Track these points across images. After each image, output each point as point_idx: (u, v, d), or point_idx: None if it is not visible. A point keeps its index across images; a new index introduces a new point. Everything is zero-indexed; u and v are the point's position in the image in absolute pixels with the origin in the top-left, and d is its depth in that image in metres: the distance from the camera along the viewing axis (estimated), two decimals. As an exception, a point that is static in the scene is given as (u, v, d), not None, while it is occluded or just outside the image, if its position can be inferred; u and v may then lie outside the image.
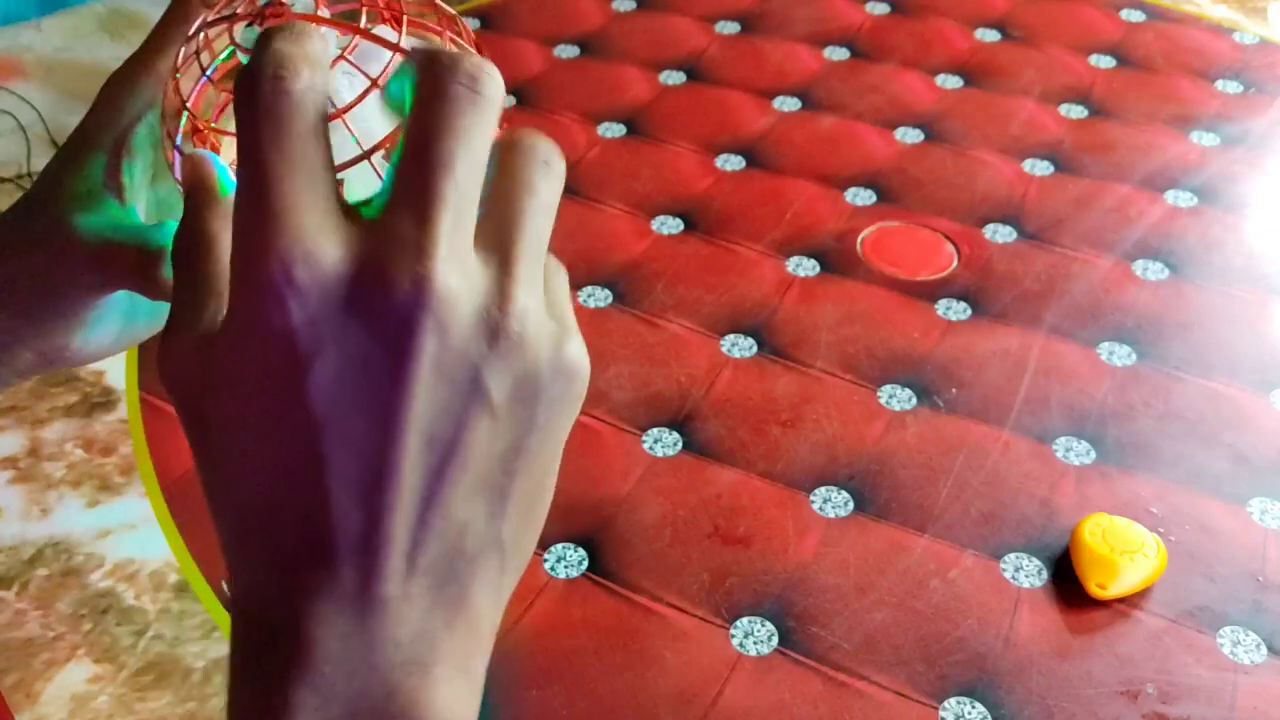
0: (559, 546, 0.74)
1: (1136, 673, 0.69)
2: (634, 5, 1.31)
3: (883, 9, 1.32)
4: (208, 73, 0.39)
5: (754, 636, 0.70)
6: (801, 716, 0.66)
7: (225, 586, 0.72)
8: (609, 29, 1.27)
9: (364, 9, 0.37)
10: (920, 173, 1.08)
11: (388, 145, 0.31)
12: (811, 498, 0.78)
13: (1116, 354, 0.90)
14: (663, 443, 0.81)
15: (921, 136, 1.12)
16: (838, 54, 1.24)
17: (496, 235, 0.29)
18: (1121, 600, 0.72)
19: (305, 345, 0.27)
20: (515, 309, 0.28)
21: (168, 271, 0.36)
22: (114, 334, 0.44)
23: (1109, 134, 1.13)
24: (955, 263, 0.98)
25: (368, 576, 0.28)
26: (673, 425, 0.83)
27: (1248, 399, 0.86)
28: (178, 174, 0.37)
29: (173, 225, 0.35)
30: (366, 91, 0.34)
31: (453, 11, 0.35)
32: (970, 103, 1.17)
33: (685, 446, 0.81)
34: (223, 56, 0.38)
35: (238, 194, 0.28)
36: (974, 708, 0.66)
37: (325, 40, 0.30)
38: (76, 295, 0.41)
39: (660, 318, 0.92)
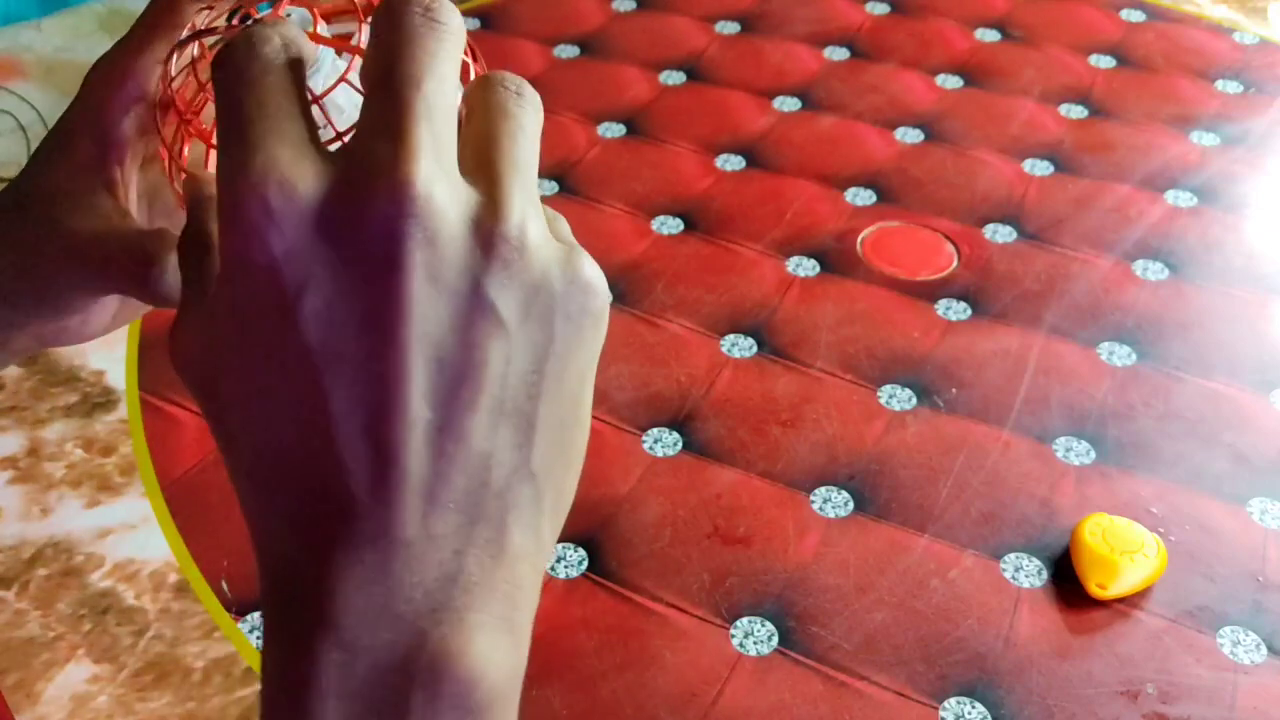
0: (559, 546, 0.74)
1: (1136, 673, 0.69)
2: (634, 5, 1.31)
3: (883, 9, 1.32)
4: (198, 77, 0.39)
5: (754, 636, 0.70)
6: (801, 716, 0.66)
7: (225, 586, 0.73)
8: (609, 29, 1.27)
9: (361, 23, 0.37)
10: (920, 173, 1.08)
11: None
12: (811, 498, 0.78)
13: (1116, 354, 0.90)
14: (663, 443, 0.81)
15: (921, 136, 1.12)
16: (838, 54, 1.24)
17: (477, 158, 0.28)
18: (1121, 600, 0.72)
19: (290, 277, 0.26)
20: (511, 217, 0.27)
21: (167, 278, 0.36)
22: (110, 314, 0.43)
23: (1109, 134, 1.13)
24: (955, 263, 0.98)
25: (384, 518, 0.27)
26: (673, 425, 0.83)
27: (1248, 399, 0.86)
28: (171, 177, 0.37)
29: (173, 236, 0.35)
30: (347, 71, 0.34)
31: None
32: (970, 103, 1.17)
33: (685, 446, 0.81)
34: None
35: (219, 150, 0.28)
36: (974, 708, 0.66)
37: (301, 30, 0.29)
38: (71, 293, 0.41)
39: (660, 318, 0.92)
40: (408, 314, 0.26)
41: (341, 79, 0.35)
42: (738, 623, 0.70)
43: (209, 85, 0.36)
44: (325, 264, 0.26)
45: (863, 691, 0.67)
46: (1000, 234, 1.01)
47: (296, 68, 0.29)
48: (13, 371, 0.86)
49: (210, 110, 0.37)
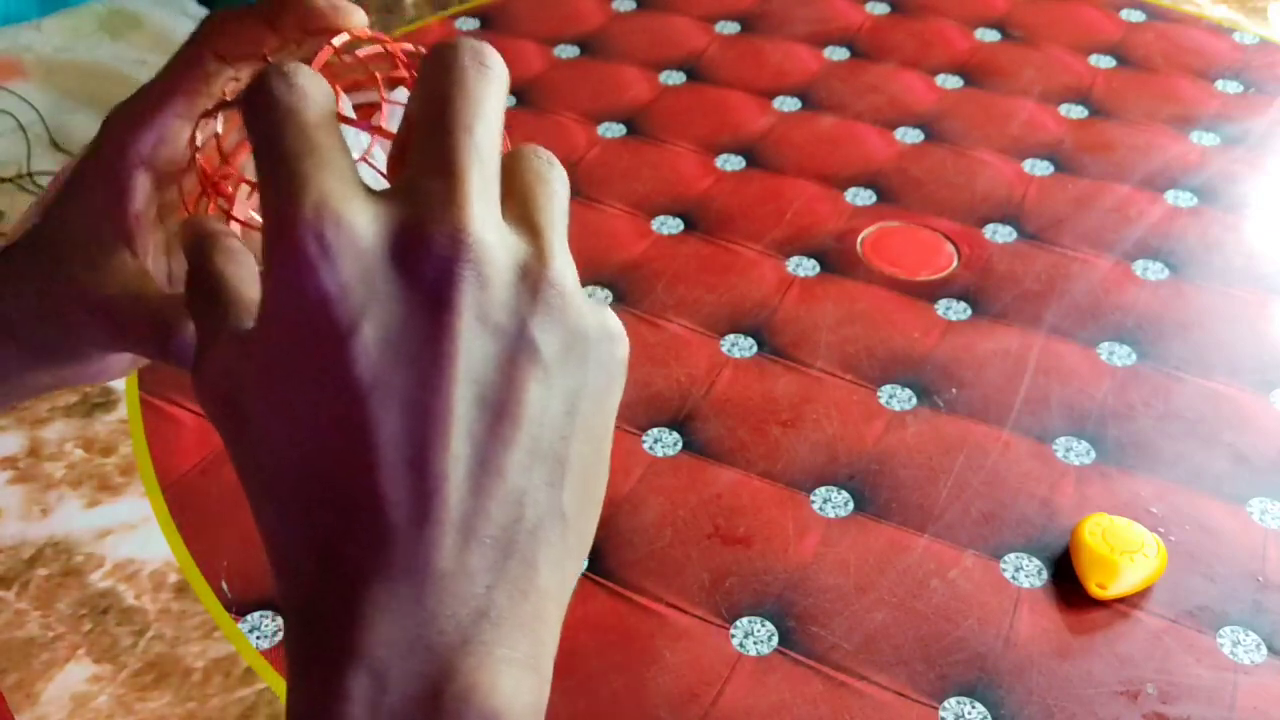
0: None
1: (1136, 672, 0.69)
2: (634, 5, 1.31)
3: (883, 9, 1.32)
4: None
5: (754, 636, 0.70)
6: (802, 716, 0.66)
7: (225, 586, 0.72)
8: (609, 29, 1.27)
9: (382, 98, 0.37)
10: (920, 173, 1.08)
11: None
12: (811, 498, 0.78)
13: (1116, 354, 0.90)
14: (663, 443, 0.81)
15: (921, 136, 1.12)
16: (838, 54, 1.24)
17: (519, 210, 0.29)
18: (1121, 600, 0.72)
19: (344, 310, 0.27)
20: (555, 263, 0.28)
21: (186, 342, 0.36)
22: (128, 361, 0.43)
23: (1109, 134, 1.13)
24: (955, 263, 0.98)
25: (421, 549, 0.27)
26: (673, 425, 0.83)
27: (1248, 399, 0.86)
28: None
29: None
30: (370, 147, 0.35)
31: None
32: (970, 103, 1.17)
33: (685, 446, 0.81)
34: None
35: (260, 184, 0.28)
36: (974, 707, 0.66)
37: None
38: (88, 345, 0.41)
39: (660, 318, 0.92)
40: (457, 352, 0.27)
41: (362, 158, 0.36)
42: (738, 623, 0.70)
43: (233, 157, 0.36)
44: (380, 300, 0.27)
45: (863, 691, 0.67)
46: (1000, 234, 1.01)
47: (331, 102, 0.29)
48: (13, 371, 0.86)
49: (243, 168, 0.37)
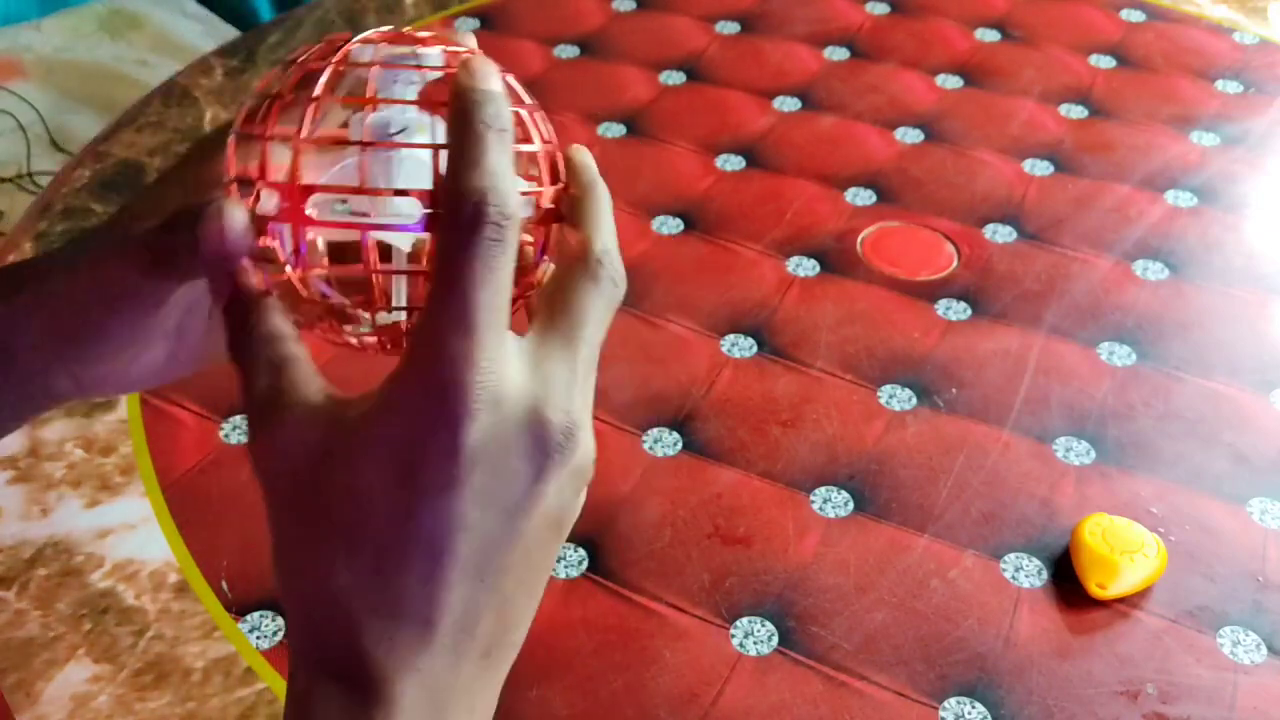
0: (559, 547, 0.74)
1: (1136, 672, 0.69)
2: (634, 5, 1.31)
3: (883, 9, 1.32)
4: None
5: (754, 636, 0.70)
6: (802, 716, 0.66)
7: (225, 587, 0.73)
8: (609, 29, 1.27)
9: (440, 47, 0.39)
10: (920, 173, 1.08)
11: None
12: (811, 498, 0.78)
13: (1116, 354, 0.90)
14: (663, 443, 0.81)
15: (921, 136, 1.12)
16: (838, 54, 1.24)
17: (588, 390, 0.37)
18: (1121, 600, 0.72)
19: (468, 460, 0.33)
20: (573, 412, 0.35)
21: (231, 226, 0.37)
22: (155, 365, 0.45)
23: (1109, 134, 1.13)
24: (955, 263, 0.98)
25: (459, 659, 0.34)
26: (673, 425, 0.83)
27: (1248, 399, 0.86)
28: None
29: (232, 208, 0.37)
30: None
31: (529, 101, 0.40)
32: (970, 103, 1.17)
33: (685, 447, 0.81)
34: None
35: (433, 295, 0.33)
36: (974, 708, 0.66)
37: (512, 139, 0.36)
38: (126, 308, 0.41)
39: (660, 318, 0.92)
40: (538, 511, 0.35)
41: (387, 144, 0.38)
42: (738, 623, 0.70)
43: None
44: (496, 453, 0.33)
45: (863, 691, 0.67)
46: (1000, 234, 1.01)
47: (517, 236, 0.35)
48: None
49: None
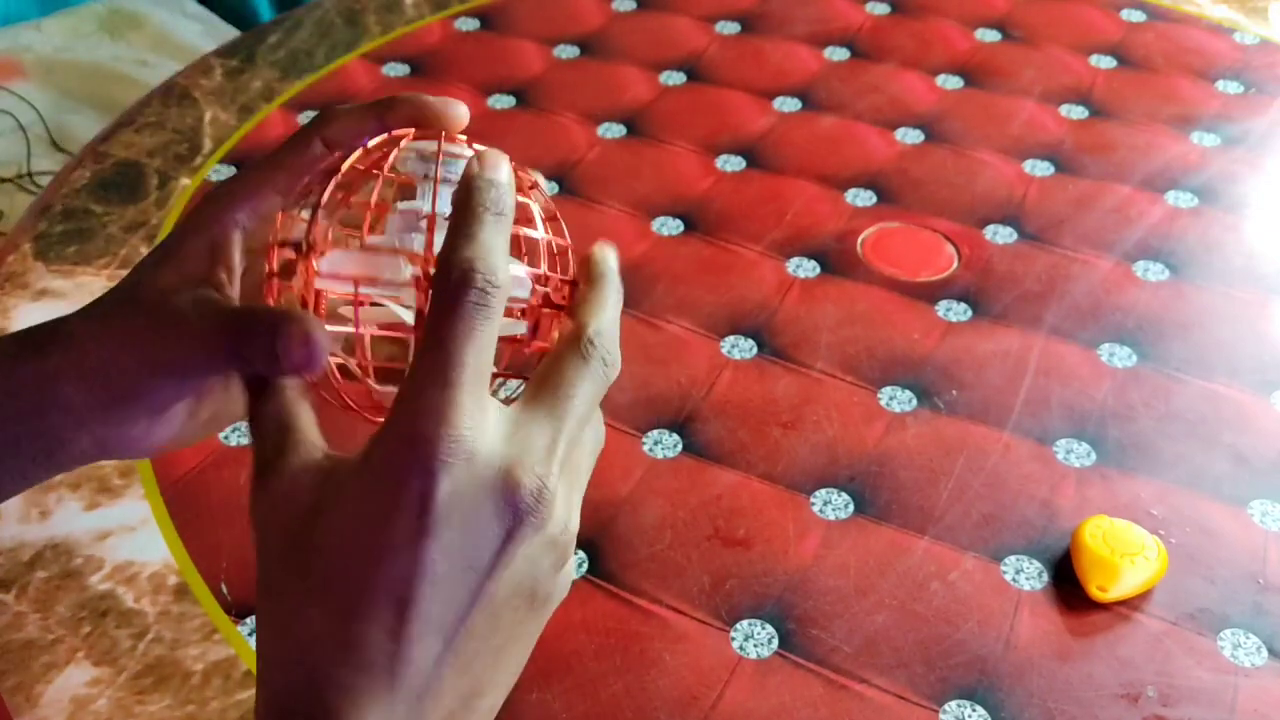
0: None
1: (1137, 675, 0.69)
2: (634, 5, 1.31)
3: (883, 9, 1.32)
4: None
5: (754, 639, 0.70)
6: (802, 719, 0.66)
7: (224, 589, 0.72)
8: (609, 29, 1.27)
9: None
10: (920, 173, 1.08)
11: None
12: (812, 499, 0.78)
13: (1117, 355, 0.90)
14: (663, 444, 0.81)
15: (921, 136, 1.12)
16: (838, 54, 1.24)
17: (572, 466, 0.38)
18: (1122, 603, 0.72)
19: (440, 508, 0.34)
20: (574, 520, 0.38)
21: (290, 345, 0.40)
22: (173, 432, 0.46)
23: (1109, 134, 1.13)
24: (955, 263, 0.98)
25: (424, 717, 0.35)
26: (673, 427, 0.83)
27: (1248, 400, 0.86)
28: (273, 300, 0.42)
29: (294, 314, 0.40)
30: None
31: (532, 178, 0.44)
32: (970, 103, 1.17)
33: (685, 448, 0.81)
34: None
35: (418, 353, 0.35)
36: (974, 710, 0.66)
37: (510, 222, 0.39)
38: (162, 380, 0.43)
39: (660, 319, 0.92)
40: (500, 579, 0.36)
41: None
42: (738, 625, 0.70)
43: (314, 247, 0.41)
44: (467, 509, 0.34)
45: (863, 694, 0.67)
46: (1000, 234, 1.01)
47: (504, 304, 0.37)
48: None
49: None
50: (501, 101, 1.15)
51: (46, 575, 0.72)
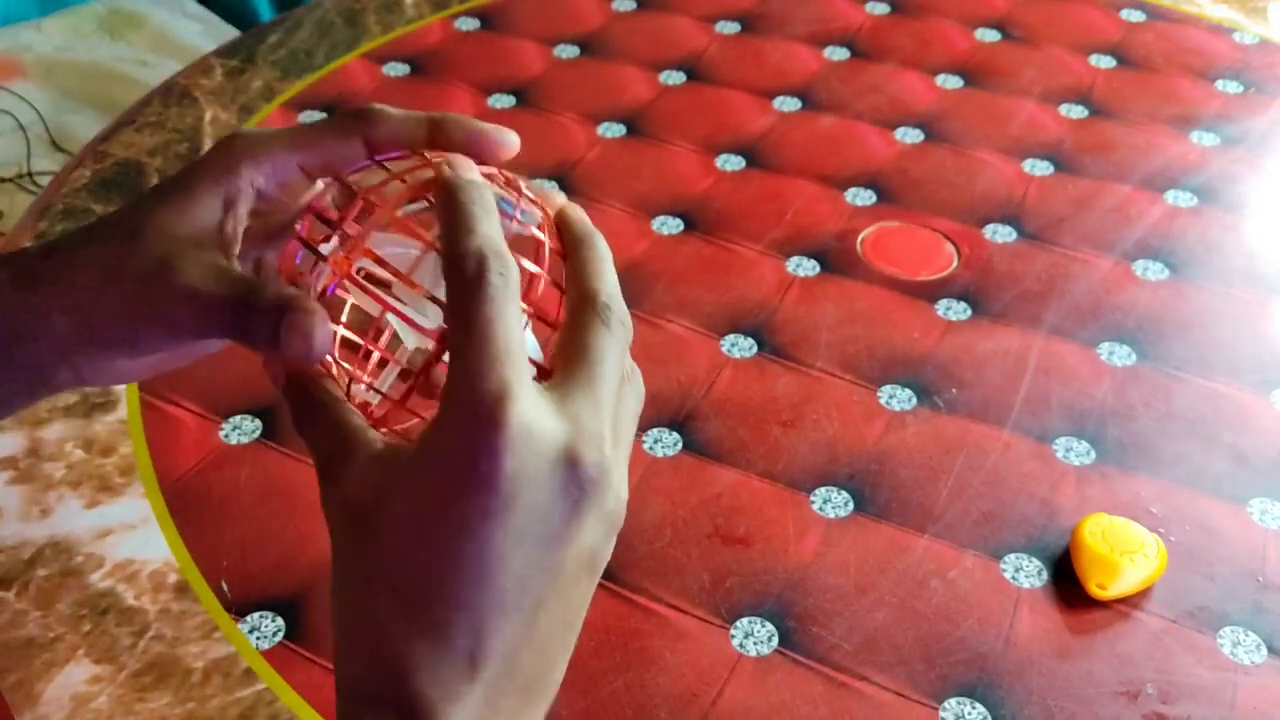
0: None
1: (1136, 673, 0.69)
2: (634, 5, 1.31)
3: (883, 9, 1.32)
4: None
5: (754, 637, 0.70)
6: (802, 717, 0.66)
7: (225, 587, 0.72)
8: (609, 29, 1.27)
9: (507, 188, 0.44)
10: (920, 173, 1.08)
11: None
12: (811, 498, 0.78)
13: (1117, 354, 0.90)
14: (663, 443, 0.81)
15: (921, 136, 1.12)
16: (838, 54, 1.24)
17: (620, 433, 0.38)
18: (1121, 600, 0.72)
19: (507, 488, 0.34)
20: (604, 450, 0.37)
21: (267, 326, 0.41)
22: (151, 369, 0.46)
23: (1109, 134, 1.13)
24: (955, 263, 0.98)
25: (500, 694, 0.35)
26: (673, 425, 0.83)
27: (1248, 399, 0.86)
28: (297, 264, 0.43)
29: (283, 291, 0.40)
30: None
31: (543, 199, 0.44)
32: (970, 103, 1.17)
33: (685, 447, 0.81)
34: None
35: (455, 346, 0.35)
36: (974, 708, 0.66)
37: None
38: (154, 331, 0.43)
39: (660, 318, 0.92)
40: (571, 547, 0.36)
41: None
42: (738, 623, 0.70)
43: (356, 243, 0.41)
44: (532, 490, 0.35)
45: (863, 692, 0.67)
46: (1000, 234, 1.01)
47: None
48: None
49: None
50: (501, 101, 1.15)
51: (47, 573, 0.72)
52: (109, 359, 0.43)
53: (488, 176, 0.42)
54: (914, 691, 0.67)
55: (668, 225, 1.01)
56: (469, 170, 0.40)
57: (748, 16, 1.30)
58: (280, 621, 0.70)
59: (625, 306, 0.41)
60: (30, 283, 0.42)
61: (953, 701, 0.67)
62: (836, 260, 0.98)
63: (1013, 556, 0.75)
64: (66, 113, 1.55)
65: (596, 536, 0.37)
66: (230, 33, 1.72)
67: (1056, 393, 0.86)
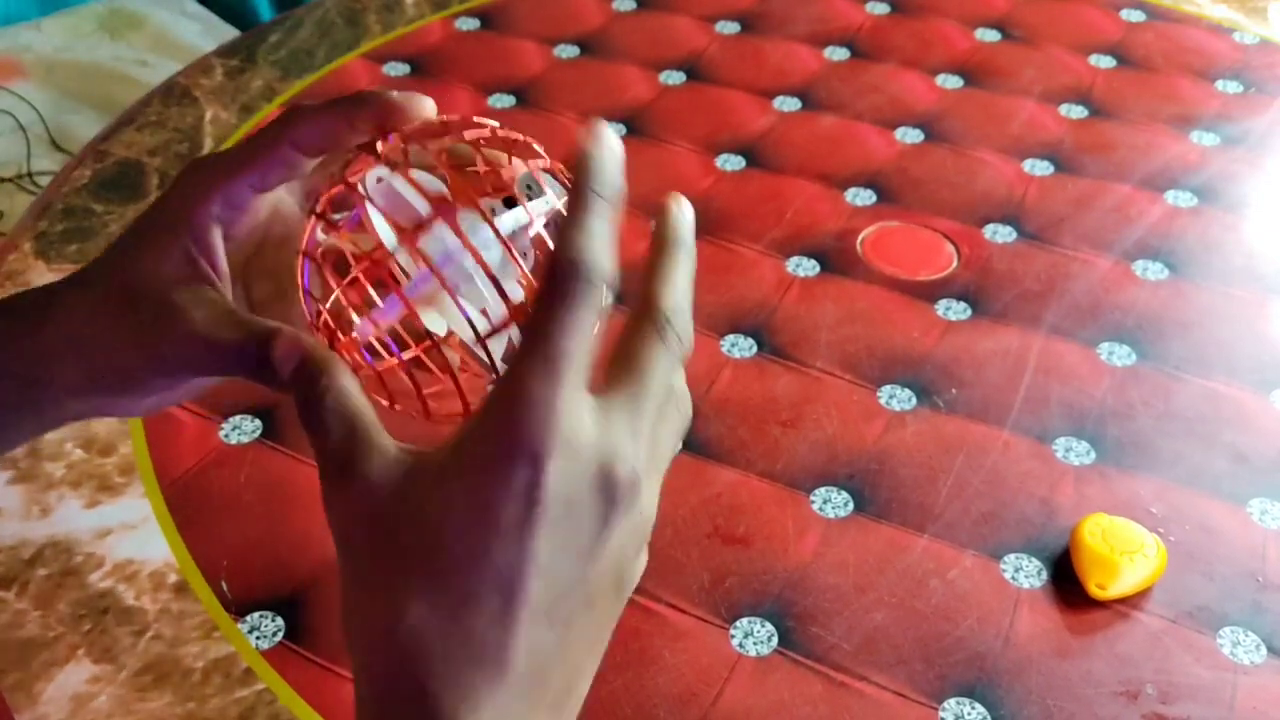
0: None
1: (1136, 673, 0.69)
2: (634, 5, 1.31)
3: (883, 9, 1.32)
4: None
5: (754, 636, 0.70)
6: (801, 717, 0.66)
7: (225, 586, 0.72)
8: (609, 29, 1.27)
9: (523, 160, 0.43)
10: (920, 173, 1.08)
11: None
12: (811, 497, 0.78)
13: (1116, 354, 0.90)
14: (662, 443, 0.81)
15: (921, 136, 1.12)
16: (838, 54, 1.24)
17: (656, 452, 0.38)
18: (1121, 600, 0.72)
19: (545, 500, 0.34)
20: (638, 465, 0.37)
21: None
22: (159, 404, 0.47)
23: (1109, 134, 1.13)
24: (955, 263, 0.98)
25: (530, 708, 0.34)
26: (672, 425, 0.83)
27: (1248, 399, 0.86)
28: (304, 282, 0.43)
29: (287, 330, 0.41)
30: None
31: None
32: (970, 103, 1.17)
33: (685, 446, 0.81)
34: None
35: (523, 344, 0.35)
36: (974, 708, 0.66)
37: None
38: (163, 376, 0.43)
39: (660, 318, 0.91)
40: (605, 558, 0.36)
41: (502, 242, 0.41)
42: (737, 623, 0.70)
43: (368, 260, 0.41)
44: (570, 496, 0.34)
45: (862, 692, 0.67)
46: (1000, 234, 1.01)
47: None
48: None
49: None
50: (501, 101, 1.15)
51: (47, 573, 0.72)
52: (116, 397, 0.44)
53: (550, 171, 0.43)
54: (913, 691, 0.67)
55: (667, 225, 1.01)
56: (607, 144, 0.40)
57: (748, 16, 1.30)
58: (280, 621, 0.70)
59: (690, 323, 0.41)
60: (31, 329, 0.43)
61: (952, 701, 0.67)
62: (836, 260, 0.98)
63: (1012, 556, 0.75)
64: (66, 113, 1.55)
65: (626, 552, 0.36)
66: (230, 33, 1.72)
67: (1056, 392, 0.86)
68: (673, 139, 1.11)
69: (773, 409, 0.84)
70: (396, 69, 1.20)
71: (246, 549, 0.73)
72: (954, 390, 0.86)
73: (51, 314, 0.43)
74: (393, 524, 0.35)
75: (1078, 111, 1.16)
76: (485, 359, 0.40)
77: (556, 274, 0.36)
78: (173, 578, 0.72)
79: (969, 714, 0.66)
